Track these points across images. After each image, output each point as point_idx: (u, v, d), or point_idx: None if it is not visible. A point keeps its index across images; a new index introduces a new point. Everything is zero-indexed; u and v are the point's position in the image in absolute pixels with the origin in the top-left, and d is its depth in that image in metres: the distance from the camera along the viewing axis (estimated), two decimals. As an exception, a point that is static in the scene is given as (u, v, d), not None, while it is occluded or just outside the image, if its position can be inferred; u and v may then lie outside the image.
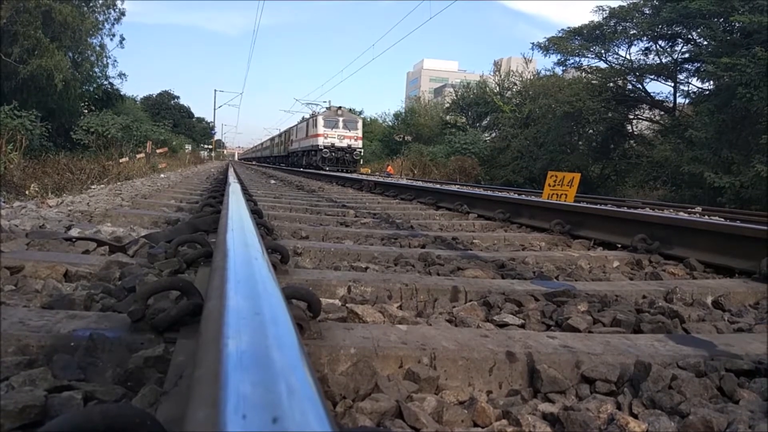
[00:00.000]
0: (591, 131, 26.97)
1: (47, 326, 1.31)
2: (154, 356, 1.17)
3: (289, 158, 38.78)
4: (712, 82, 20.20)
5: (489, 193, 6.64)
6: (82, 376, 1.14)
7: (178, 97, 73.97)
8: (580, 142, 27.81)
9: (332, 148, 28.10)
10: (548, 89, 28.20)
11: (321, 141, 28.24)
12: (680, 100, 25.01)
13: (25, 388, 1.05)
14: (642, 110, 27.14)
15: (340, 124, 28.86)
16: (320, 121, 28.96)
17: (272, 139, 52.33)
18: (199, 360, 0.71)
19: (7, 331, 1.25)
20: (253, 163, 54.56)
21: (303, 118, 36.01)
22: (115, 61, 28.76)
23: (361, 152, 29.50)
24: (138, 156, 18.52)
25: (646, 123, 27.71)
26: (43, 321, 1.34)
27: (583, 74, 27.50)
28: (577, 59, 27.84)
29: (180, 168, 22.22)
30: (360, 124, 30.27)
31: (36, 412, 0.94)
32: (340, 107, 29.83)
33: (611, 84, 26.00)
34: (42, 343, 1.24)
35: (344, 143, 28.51)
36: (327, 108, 31.14)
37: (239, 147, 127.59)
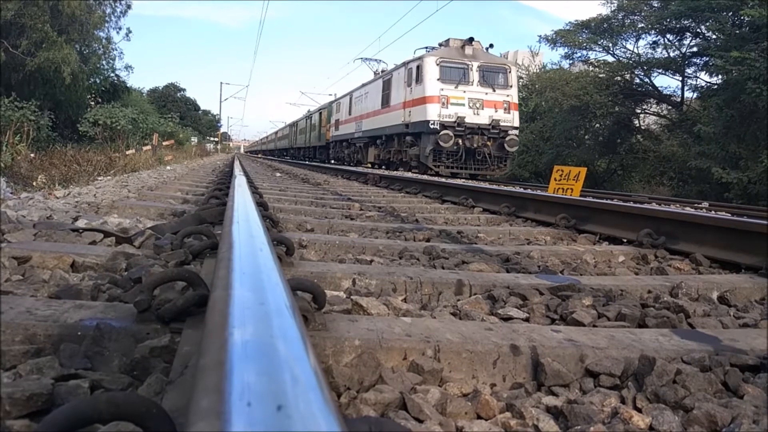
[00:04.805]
0: (598, 125, 26.78)
1: (54, 316, 1.32)
2: (160, 346, 1.18)
3: (329, 150, 24.17)
4: (720, 77, 20.01)
5: (494, 187, 6.63)
6: (88, 365, 1.15)
7: (184, 90, 74.01)
8: (587, 137, 27.63)
9: (458, 126, 13.68)
10: (555, 83, 27.88)
11: (432, 112, 13.65)
12: (688, 94, 24.83)
13: (33, 376, 1.06)
14: (649, 104, 26.91)
15: (475, 75, 14.12)
16: (430, 68, 13.99)
17: (294, 124, 38.23)
18: (204, 349, 0.71)
19: (15, 321, 1.26)
20: (259, 156, 53.69)
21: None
22: (122, 53, 28.77)
23: (516, 136, 14.44)
24: (144, 148, 18.58)
25: (654, 117, 27.51)
26: (51, 310, 1.35)
27: (590, 68, 27.29)
28: (584, 52, 27.62)
29: (186, 160, 22.24)
30: (514, 76, 14.89)
31: (43, 400, 0.96)
32: (471, 38, 14.60)
33: (618, 78, 25.80)
34: (49, 332, 1.25)
35: (484, 117, 13.92)
36: (439, 45, 15.48)
37: (245, 140, 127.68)
